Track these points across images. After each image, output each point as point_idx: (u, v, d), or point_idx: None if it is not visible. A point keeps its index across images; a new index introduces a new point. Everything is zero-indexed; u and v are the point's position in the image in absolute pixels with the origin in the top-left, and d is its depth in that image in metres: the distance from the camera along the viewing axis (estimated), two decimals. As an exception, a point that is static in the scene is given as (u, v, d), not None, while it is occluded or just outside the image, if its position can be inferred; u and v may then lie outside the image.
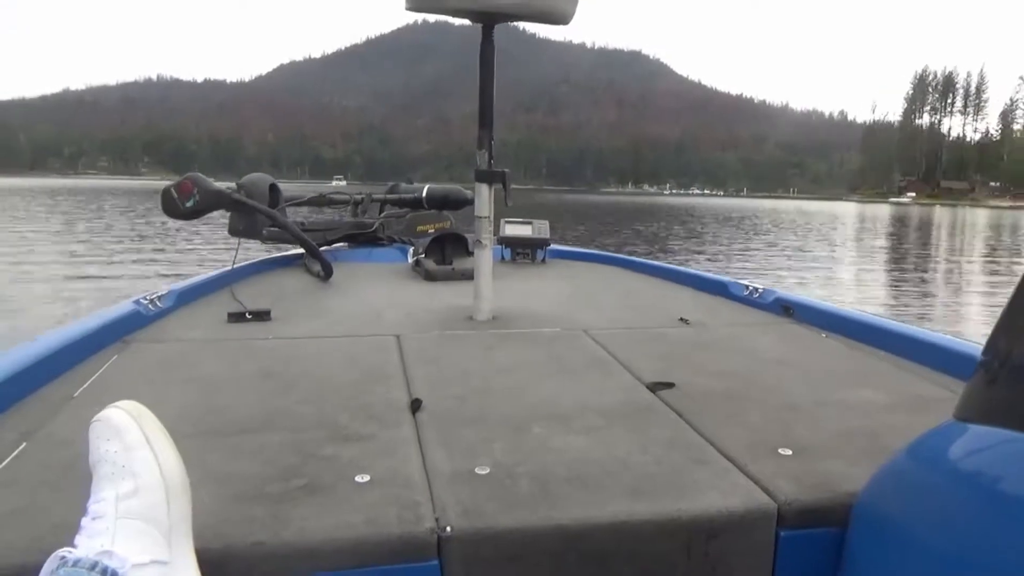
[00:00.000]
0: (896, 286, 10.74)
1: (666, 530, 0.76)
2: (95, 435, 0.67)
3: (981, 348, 0.67)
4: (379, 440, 0.95)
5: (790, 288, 2.68)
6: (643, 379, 1.26)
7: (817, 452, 0.93)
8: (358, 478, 0.83)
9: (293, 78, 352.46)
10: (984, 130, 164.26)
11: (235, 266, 2.31)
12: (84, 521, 0.63)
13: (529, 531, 0.74)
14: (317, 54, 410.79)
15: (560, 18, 1.73)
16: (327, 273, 2.34)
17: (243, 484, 0.81)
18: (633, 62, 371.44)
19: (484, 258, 1.78)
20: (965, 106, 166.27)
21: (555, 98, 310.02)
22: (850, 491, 0.80)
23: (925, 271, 13.28)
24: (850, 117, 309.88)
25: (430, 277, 2.43)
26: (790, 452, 0.93)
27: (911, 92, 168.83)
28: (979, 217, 48.96)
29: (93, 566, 0.57)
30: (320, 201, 3.09)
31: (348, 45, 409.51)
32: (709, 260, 13.12)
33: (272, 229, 2.44)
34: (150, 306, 1.72)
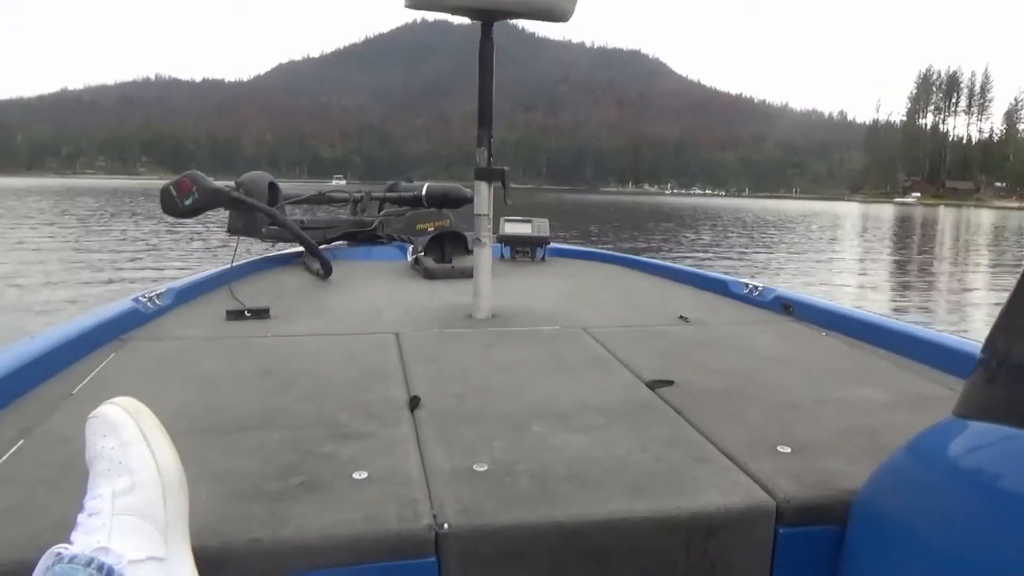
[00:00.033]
0: (932, 298, 10.06)
1: (665, 527, 0.76)
2: (91, 431, 0.67)
3: (980, 346, 0.68)
4: (378, 438, 0.96)
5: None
6: (643, 377, 1.26)
7: (816, 450, 0.93)
8: (356, 475, 0.83)
9: (291, 77, 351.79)
10: (988, 130, 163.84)
11: (234, 264, 2.30)
12: (80, 517, 0.62)
13: (528, 528, 0.74)
14: (316, 53, 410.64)
15: (560, 16, 1.73)
16: (326, 271, 2.34)
17: (241, 482, 0.81)
18: (632, 61, 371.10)
19: (483, 256, 1.78)
20: (969, 105, 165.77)
21: (554, 97, 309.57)
22: (849, 489, 0.81)
23: (964, 283, 12.19)
24: (850, 117, 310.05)
25: (429, 275, 2.43)
26: (789, 450, 0.93)
27: (915, 91, 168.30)
28: (995, 219, 47.83)
29: (89, 562, 0.57)
30: (319, 199, 3.08)
31: (347, 44, 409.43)
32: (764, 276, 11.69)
33: (271, 227, 2.44)
34: (148, 304, 1.71)
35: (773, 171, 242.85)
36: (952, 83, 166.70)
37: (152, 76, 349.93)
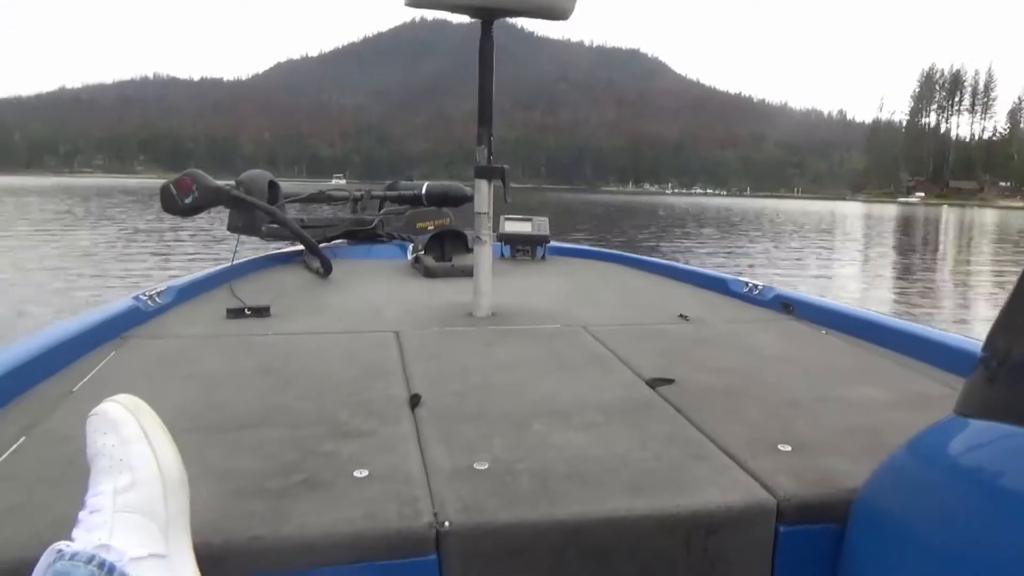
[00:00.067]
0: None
1: (666, 526, 0.76)
2: (92, 429, 0.67)
3: (981, 345, 0.68)
4: (378, 436, 0.96)
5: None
6: (643, 375, 1.26)
7: (817, 448, 0.93)
8: (357, 473, 0.83)
9: (290, 76, 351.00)
10: (992, 129, 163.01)
11: (234, 262, 2.29)
12: (81, 515, 0.63)
13: (528, 526, 0.74)
14: (314, 52, 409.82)
15: (560, 14, 1.73)
16: (326, 270, 2.34)
17: (242, 479, 0.81)
18: (631, 60, 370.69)
19: (484, 254, 1.78)
20: (973, 104, 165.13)
21: (553, 96, 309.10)
22: (850, 487, 0.81)
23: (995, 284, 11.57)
24: (849, 116, 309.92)
25: (429, 274, 2.43)
26: (790, 448, 0.93)
27: (918, 90, 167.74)
28: (1006, 218, 46.59)
29: (90, 559, 0.57)
30: (319, 198, 3.07)
31: (346, 43, 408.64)
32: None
33: (271, 226, 2.44)
34: (149, 302, 1.71)
35: (773, 170, 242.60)
36: (955, 81, 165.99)
37: (150, 75, 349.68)
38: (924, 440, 0.72)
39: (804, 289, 2.21)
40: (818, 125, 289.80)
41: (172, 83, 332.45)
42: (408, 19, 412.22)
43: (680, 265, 2.62)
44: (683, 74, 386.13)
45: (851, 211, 53.21)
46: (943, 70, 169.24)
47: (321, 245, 2.49)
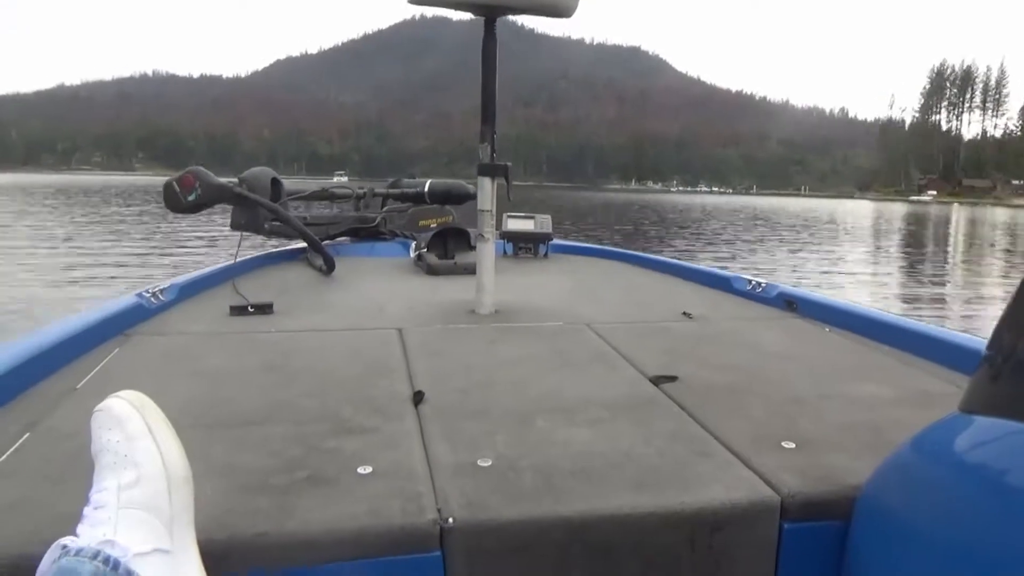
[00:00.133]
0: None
1: (670, 522, 0.76)
2: (97, 425, 0.67)
3: (985, 343, 0.68)
4: (382, 433, 0.96)
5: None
6: (646, 373, 1.26)
7: (821, 445, 0.93)
8: (361, 470, 0.83)
9: (289, 74, 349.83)
10: (1004, 126, 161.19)
11: (237, 260, 2.30)
12: (86, 511, 0.63)
13: (532, 523, 0.74)
14: (314, 50, 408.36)
15: (563, 11, 1.73)
16: (329, 267, 2.34)
17: (246, 476, 0.81)
18: (632, 58, 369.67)
19: (486, 252, 1.79)
20: (984, 101, 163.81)
21: (554, 94, 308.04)
22: (854, 484, 0.80)
23: None
24: (851, 114, 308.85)
25: (432, 271, 2.43)
26: (793, 445, 0.93)
27: (928, 86, 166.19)
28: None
29: (95, 555, 0.57)
30: (322, 195, 3.07)
31: (345, 41, 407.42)
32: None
33: (274, 223, 2.44)
34: (152, 299, 1.72)
35: (776, 169, 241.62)
36: (967, 78, 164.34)
37: (149, 72, 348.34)
38: (928, 437, 0.72)
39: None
40: (820, 123, 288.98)
41: (171, 80, 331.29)
42: (408, 16, 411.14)
43: (683, 263, 2.62)
44: (684, 72, 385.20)
45: (878, 210, 51.14)
46: (954, 66, 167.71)
47: (324, 242, 2.50)
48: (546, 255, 2.93)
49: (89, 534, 0.60)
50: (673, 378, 1.21)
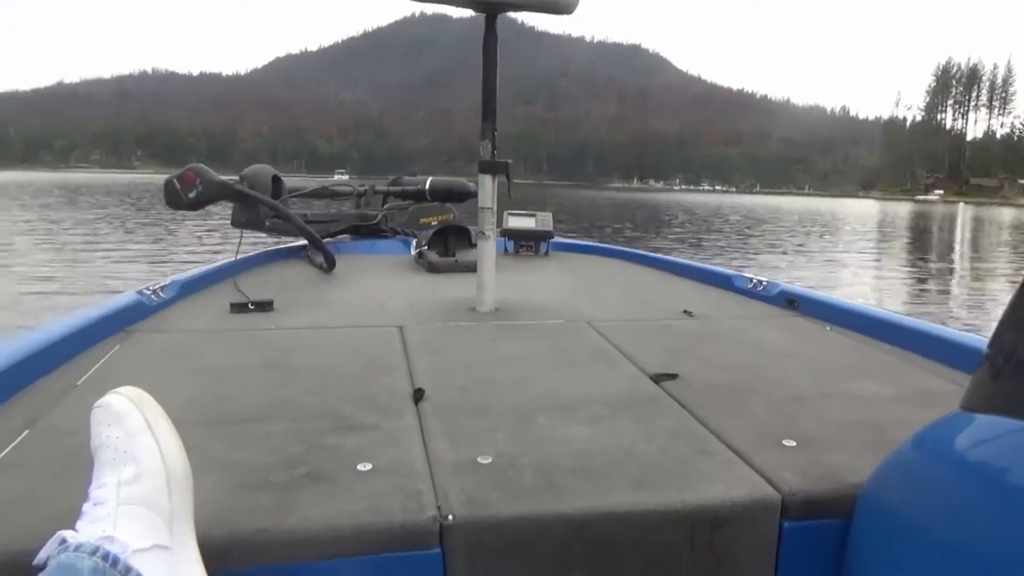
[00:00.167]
0: None
1: (670, 520, 0.76)
2: (96, 421, 0.67)
3: (986, 341, 0.68)
4: (382, 430, 0.96)
5: None
6: (647, 371, 1.26)
7: (821, 444, 0.93)
8: (361, 467, 0.83)
9: (289, 71, 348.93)
10: (1011, 125, 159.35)
11: (238, 257, 2.30)
12: (85, 507, 0.63)
13: (533, 520, 0.74)
14: (313, 47, 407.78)
15: (564, 8, 1.73)
16: (330, 265, 2.34)
17: (247, 473, 0.81)
18: (632, 56, 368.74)
19: (487, 249, 1.79)
20: (991, 100, 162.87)
21: (554, 91, 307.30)
22: (854, 482, 0.80)
23: None
24: (852, 113, 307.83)
25: (433, 269, 2.43)
26: (794, 444, 0.93)
27: (934, 84, 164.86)
28: None
29: (95, 551, 0.57)
30: (323, 193, 3.08)
31: (345, 38, 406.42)
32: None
33: (275, 220, 2.44)
34: (153, 296, 1.72)
35: (777, 167, 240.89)
36: (973, 76, 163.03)
37: (149, 70, 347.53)
38: (929, 435, 0.73)
39: None
40: (821, 121, 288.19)
41: (170, 77, 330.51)
42: (408, 14, 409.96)
43: (684, 261, 2.63)
44: (685, 70, 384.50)
45: (889, 210, 49.19)
46: (960, 64, 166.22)
47: (325, 240, 2.51)
48: (547, 253, 2.93)
49: (89, 530, 0.60)
50: (674, 376, 1.22)
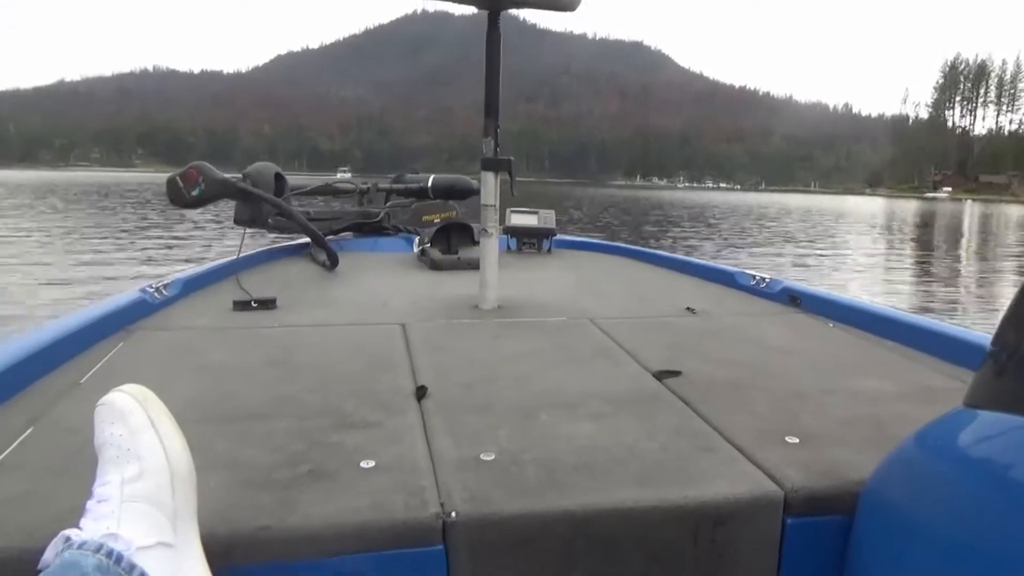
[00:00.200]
0: None
1: (673, 517, 0.77)
2: (100, 419, 0.68)
3: (989, 338, 0.68)
4: (385, 427, 0.96)
5: None
6: (650, 368, 1.26)
7: (824, 440, 0.93)
8: (364, 464, 0.83)
9: (290, 69, 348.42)
10: (1020, 122, 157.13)
11: (241, 255, 2.31)
12: (89, 504, 0.63)
13: (536, 517, 0.74)
14: (315, 45, 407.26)
15: (567, 5, 1.72)
16: (333, 262, 2.34)
17: (249, 470, 0.82)
18: (634, 53, 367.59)
19: (490, 247, 1.79)
20: (999, 96, 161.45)
21: (556, 89, 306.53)
22: (857, 479, 0.81)
23: None
24: (855, 109, 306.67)
25: (436, 266, 2.44)
26: (797, 440, 0.93)
27: (942, 81, 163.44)
28: None
29: (99, 548, 0.57)
30: (326, 191, 3.08)
31: (346, 36, 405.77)
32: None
33: (278, 218, 2.45)
34: (156, 294, 1.72)
35: (780, 165, 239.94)
36: (981, 73, 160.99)
37: (150, 67, 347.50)
38: (932, 431, 0.73)
39: None
40: (824, 119, 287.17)
41: (171, 75, 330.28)
42: (409, 11, 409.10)
43: (687, 258, 2.63)
44: (687, 67, 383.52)
45: (905, 209, 47.02)
46: (968, 60, 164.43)
47: (327, 238, 2.51)
48: (549, 250, 2.92)
49: (92, 527, 0.60)
50: (676, 373, 1.22)
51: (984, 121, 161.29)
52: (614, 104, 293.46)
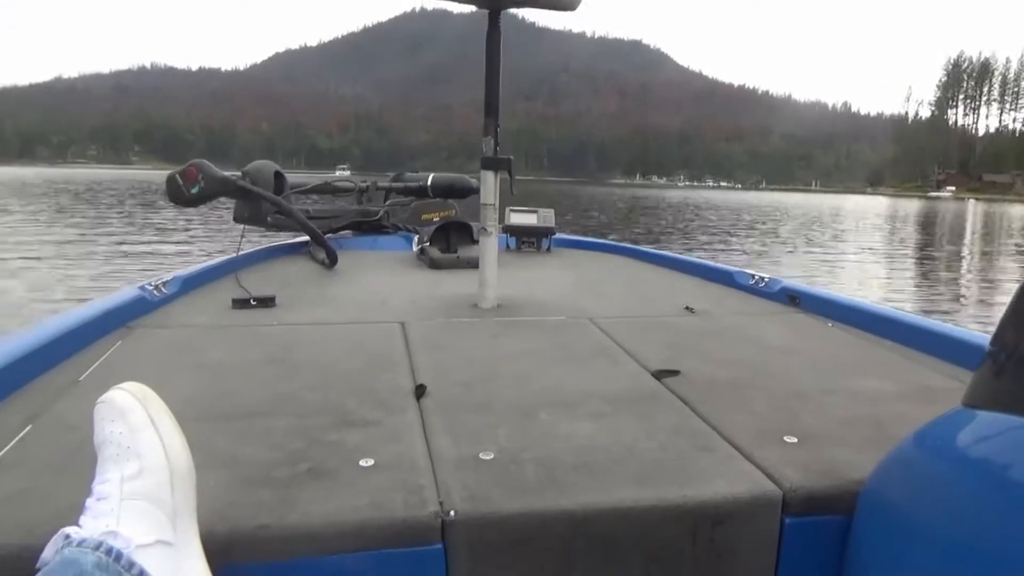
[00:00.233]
0: None
1: (672, 516, 0.77)
2: (100, 416, 0.68)
3: (988, 338, 0.68)
4: (384, 426, 0.96)
5: None
6: (649, 367, 1.26)
7: (823, 440, 0.94)
8: (363, 463, 0.83)
9: (288, 67, 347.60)
10: (1023, 120, 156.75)
11: (240, 253, 2.31)
12: (89, 502, 0.63)
13: (535, 516, 0.74)
14: (313, 42, 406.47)
15: (567, 4, 1.73)
16: (332, 261, 2.34)
17: (249, 468, 0.82)
18: (633, 52, 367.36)
19: (489, 246, 1.79)
20: (1003, 95, 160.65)
21: (555, 87, 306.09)
22: (856, 479, 0.81)
23: None
24: (854, 108, 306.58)
25: (435, 265, 2.44)
26: (796, 440, 0.93)
27: (945, 79, 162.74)
28: None
29: (98, 546, 0.57)
30: (325, 189, 3.06)
31: (345, 33, 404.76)
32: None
33: (277, 216, 2.44)
34: (155, 292, 1.72)
35: (780, 164, 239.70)
36: (984, 71, 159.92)
37: (147, 64, 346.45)
38: (931, 431, 0.73)
39: None
40: (823, 117, 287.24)
41: (169, 72, 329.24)
42: (408, 9, 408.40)
43: (686, 258, 2.62)
44: (686, 65, 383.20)
45: (917, 208, 45.61)
46: (971, 57, 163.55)
47: (327, 236, 2.50)
48: (549, 249, 2.92)
49: (92, 525, 0.60)
50: (675, 372, 1.22)
51: (988, 120, 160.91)
52: (613, 102, 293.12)
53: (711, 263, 2.43)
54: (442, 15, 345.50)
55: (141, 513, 0.62)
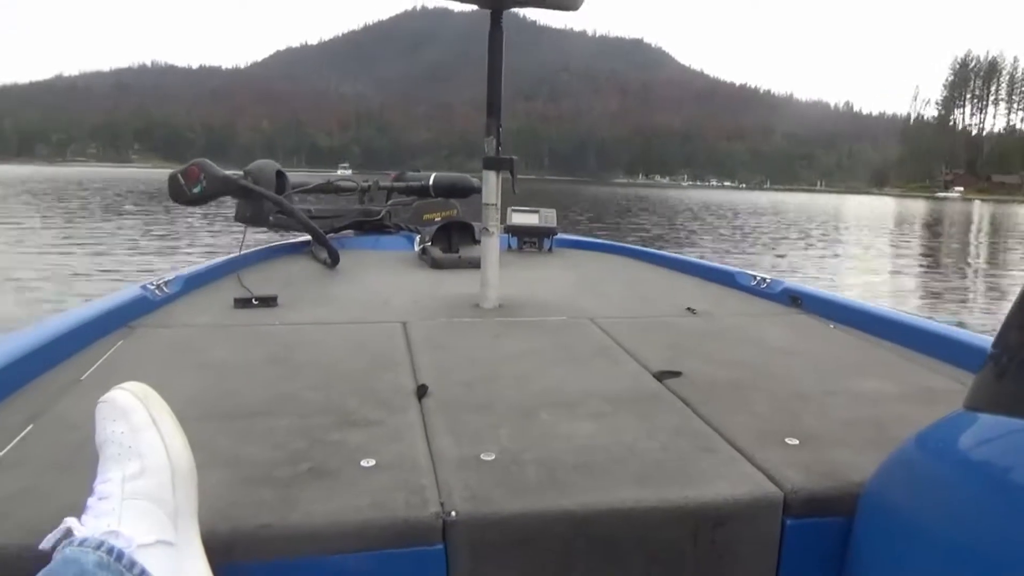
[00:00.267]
0: None
1: (673, 517, 0.77)
2: (101, 416, 0.68)
3: (990, 340, 0.68)
4: (386, 426, 0.96)
5: None
6: (650, 367, 1.26)
7: (824, 441, 0.93)
8: (364, 463, 0.83)
9: (289, 65, 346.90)
10: None
11: (242, 252, 2.31)
12: (90, 501, 0.63)
13: (536, 516, 0.74)
14: (314, 41, 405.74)
15: (570, 4, 1.73)
16: (334, 260, 2.34)
17: (250, 468, 0.82)
18: (634, 50, 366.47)
19: (491, 246, 1.78)
20: (1011, 94, 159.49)
21: (555, 86, 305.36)
22: (857, 480, 0.81)
23: None
24: (856, 108, 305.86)
25: (437, 265, 2.44)
26: (797, 441, 0.93)
27: (952, 79, 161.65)
28: None
29: (99, 545, 0.57)
30: (327, 188, 3.06)
31: (345, 31, 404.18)
32: None
33: (279, 216, 2.44)
34: (156, 291, 1.72)
35: (782, 163, 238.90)
36: (991, 70, 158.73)
37: (148, 63, 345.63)
38: (933, 434, 0.72)
39: None
40: (825, 117, 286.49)
41: (170, 71, 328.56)
42: (408, 7, 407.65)
43: (688, 258, 2.62)
44: (687, 64, 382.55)
45: (928, 209, 44.19)
46: (978, 56, 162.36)
47: (328, 236, 2.50)
48: (550, 249, 2.92)
49: (93, 524, 0.60)
50: (677, 373, 1.22)
51: (995, 120, 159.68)
52: (614, 102, 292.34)
53: (713, 264, 2.43)
54: (443, 13, 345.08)
55: (143, 513, 0.62)
